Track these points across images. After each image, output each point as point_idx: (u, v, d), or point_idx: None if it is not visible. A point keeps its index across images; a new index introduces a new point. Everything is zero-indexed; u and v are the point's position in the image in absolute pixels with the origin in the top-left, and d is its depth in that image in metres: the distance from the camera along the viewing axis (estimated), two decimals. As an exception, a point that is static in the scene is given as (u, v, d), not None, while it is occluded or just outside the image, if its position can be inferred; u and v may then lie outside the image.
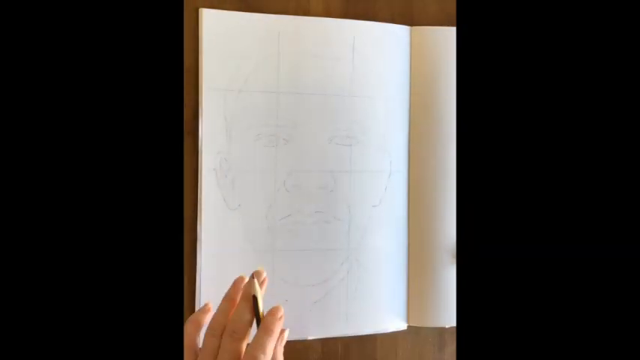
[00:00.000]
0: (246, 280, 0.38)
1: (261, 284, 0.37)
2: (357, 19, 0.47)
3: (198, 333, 0.38)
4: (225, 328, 0.36)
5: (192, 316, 0.39)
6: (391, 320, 0.48)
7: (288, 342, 0.45)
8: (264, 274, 0.39)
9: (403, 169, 0.49)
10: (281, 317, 0.37)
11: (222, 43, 0.44)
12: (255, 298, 0.36)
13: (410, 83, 0.49)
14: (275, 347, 0.37)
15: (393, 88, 0.48)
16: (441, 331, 0.50)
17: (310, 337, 0.46)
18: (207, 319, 0.38)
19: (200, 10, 0.44)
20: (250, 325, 0.36)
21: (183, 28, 0.43)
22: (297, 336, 0.46)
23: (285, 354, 0.45)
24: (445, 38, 0.49)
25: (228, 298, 0.38)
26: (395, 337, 0.49)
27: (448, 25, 0.49)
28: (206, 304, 0.39)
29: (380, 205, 0.48)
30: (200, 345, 0.37)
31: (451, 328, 0.49)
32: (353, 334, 0.47)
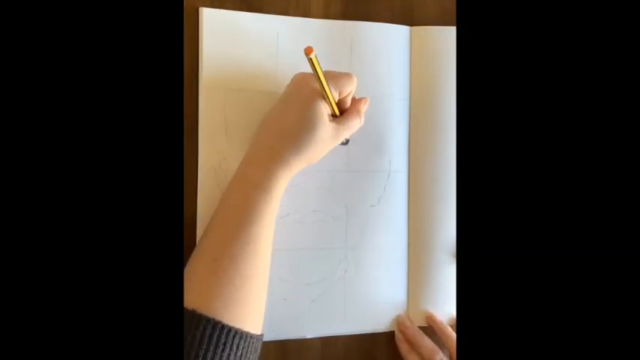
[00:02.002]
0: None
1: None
2: (358, 20, 0.47)
3: None
4: None
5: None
6: (391, 319, 0.48)
7: (287, 342, 0.45)
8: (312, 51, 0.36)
9: (403, 169, 0.49)
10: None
11: (222, 43, 0.44)
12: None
13: (410, 83, 0.49)
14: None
15: (393, 88, 0.48)
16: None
17: (308, 336, 0.46)
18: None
19: (200, 9, 0.44)
20: None
21: (183, 27, 0.43)
22: (296, 335, 0.46)
23: (284, 354, 0.46)
24: (445, 38, 0.49)
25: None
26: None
27: (448, 25, 0.49)
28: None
29: (378, 204, 0.48)
30: None
31: (450, 327, 0.49)
32: (351, 333, 0.47)
